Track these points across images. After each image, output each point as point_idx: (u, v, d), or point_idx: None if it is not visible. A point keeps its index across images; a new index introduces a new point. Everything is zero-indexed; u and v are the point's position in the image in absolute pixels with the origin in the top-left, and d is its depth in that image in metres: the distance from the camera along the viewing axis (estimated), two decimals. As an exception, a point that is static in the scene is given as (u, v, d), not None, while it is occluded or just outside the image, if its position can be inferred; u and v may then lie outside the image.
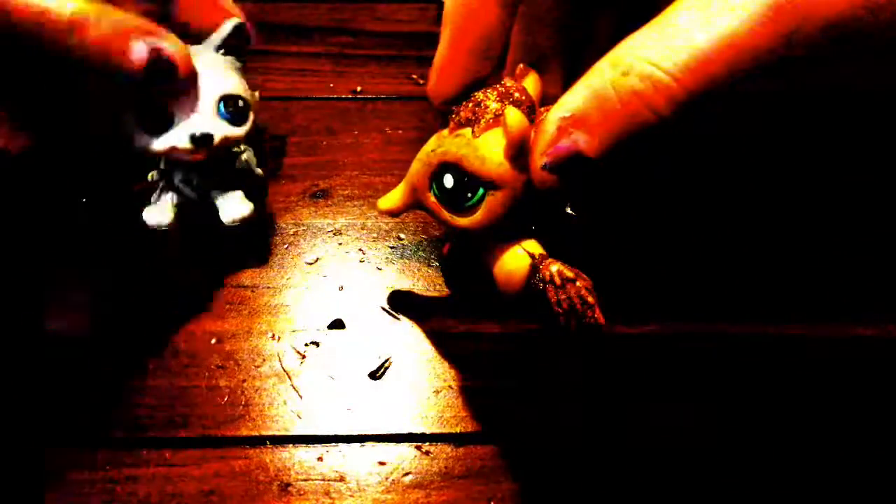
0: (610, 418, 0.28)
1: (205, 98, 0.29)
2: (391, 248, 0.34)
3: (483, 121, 0.25)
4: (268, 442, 0.27)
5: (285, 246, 0.34)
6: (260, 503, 0.25)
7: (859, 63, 0.20)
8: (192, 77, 0.28)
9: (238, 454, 0.27)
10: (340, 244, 0.34)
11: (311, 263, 0.33)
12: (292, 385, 0.29)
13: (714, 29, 0.19)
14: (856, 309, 0.31)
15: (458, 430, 0.27)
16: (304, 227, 0.34)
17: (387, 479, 0.26)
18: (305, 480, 0.26)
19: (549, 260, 0.25)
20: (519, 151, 0.24)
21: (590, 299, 0.25)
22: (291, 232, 0.34)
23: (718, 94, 0.20)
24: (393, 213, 0.28)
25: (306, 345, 0.30)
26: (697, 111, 0.20)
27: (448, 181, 0.25)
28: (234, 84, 0.30)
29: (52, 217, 0.33)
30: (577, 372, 0.29)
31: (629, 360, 0.30)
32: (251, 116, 0.30)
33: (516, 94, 0.25)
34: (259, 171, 0.34)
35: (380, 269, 0.33)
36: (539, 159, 0.23)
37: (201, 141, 0.28)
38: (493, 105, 0.25)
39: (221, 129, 0.29)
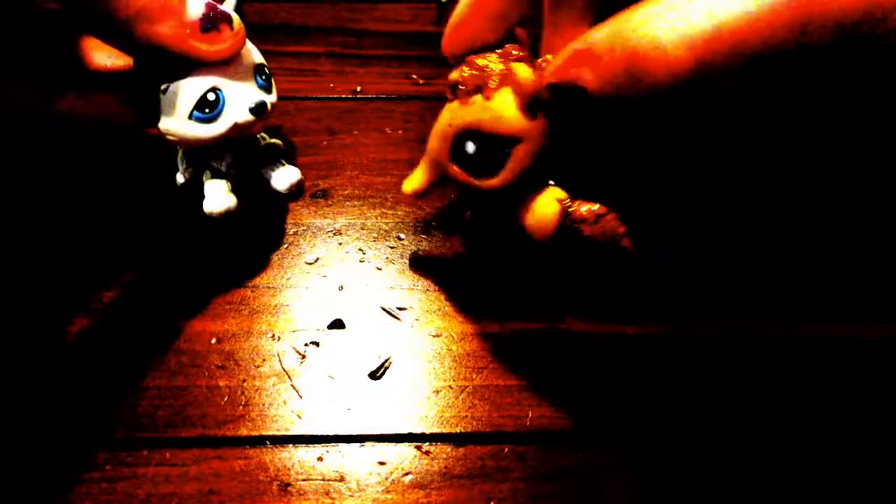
0: (611, 418, 0.28)
1: (243, 69, 0.29)
2: (391, 248, 0.34)
3: (491, 82, 0.26)
4: (268, 442, 0.27)
5: (285, 246, 0.34)
6: (260, 503, 0.25)
7: (870, 63, 0.20)
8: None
9: (238, 454, 0.27)
10: (340, 244, 0.34)
11: (310, 263, 0.33)
12: (292, 385, 0.29)
13: (731, 5, 0.19)
14: (861, 310, 0.31)
15: (458, 430, 0.27)
16: (304, 227, 0.34)
17: (387, 479, 0.26)
18: (305, 480, 0.26)
19: (577, 201, 0.27)
20: (532, 102, 0.25)
21: (620, 229, 0.26)
22: (291, 232, 0.34)
23: (723, 74, 0.20)
24: (418, 194, 0.30)
25: (306, 345, 0.30)
26: (698, 90, 0.20)
27: (470, 147, 0.27)
28: (259, 52, 0.30)
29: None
30: (578, 372, 0.29)
31: (630, 360, 0.30)
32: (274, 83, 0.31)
33: (514, 52, 0.27)
34: (278, 141, 0.34)
35: (380, 269, 0.33)
36: (547, 77, 0.24)
37: (259, 110, 0.29)
38: (497, 66, 0.26)
39: (267, 97, 0.29)
